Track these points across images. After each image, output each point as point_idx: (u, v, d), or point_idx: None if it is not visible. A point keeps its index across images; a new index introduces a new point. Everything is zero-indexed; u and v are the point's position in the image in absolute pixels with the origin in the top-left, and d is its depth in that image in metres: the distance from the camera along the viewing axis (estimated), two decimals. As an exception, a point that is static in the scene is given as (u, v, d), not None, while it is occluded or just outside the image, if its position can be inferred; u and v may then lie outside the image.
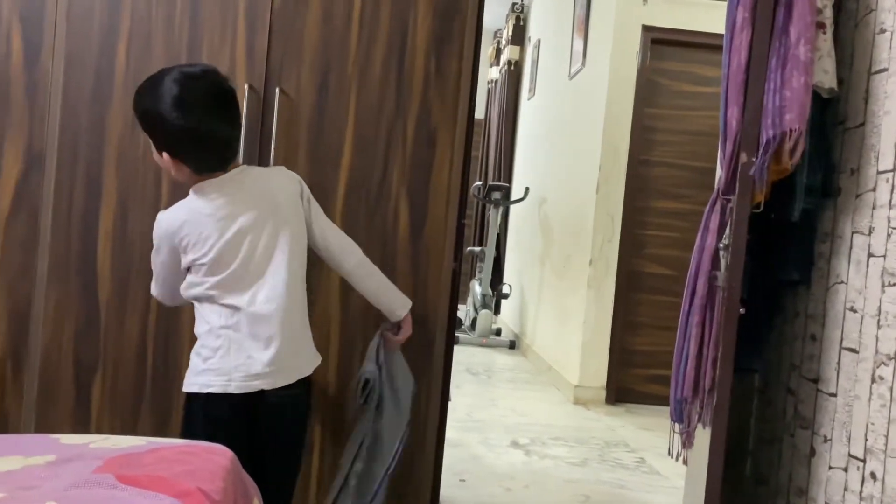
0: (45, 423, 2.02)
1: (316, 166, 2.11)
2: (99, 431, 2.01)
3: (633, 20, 4.54)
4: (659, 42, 4.55)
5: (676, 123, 4.65)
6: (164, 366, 2.04)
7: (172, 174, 1.69)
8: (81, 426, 2.01)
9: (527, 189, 6.60)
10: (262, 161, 2.07)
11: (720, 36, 2.41)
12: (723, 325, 2.01)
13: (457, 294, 2.28)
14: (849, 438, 2.00)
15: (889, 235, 1.93)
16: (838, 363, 2.08)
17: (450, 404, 4.08)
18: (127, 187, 2.03)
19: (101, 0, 2.02)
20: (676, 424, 2.21)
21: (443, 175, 2.16)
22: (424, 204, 2.15)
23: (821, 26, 2.07)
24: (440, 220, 2.15)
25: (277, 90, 2.06)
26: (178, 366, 2.03)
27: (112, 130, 2.02)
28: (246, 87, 2.05)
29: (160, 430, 1.99)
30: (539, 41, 6.90)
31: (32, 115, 2.01)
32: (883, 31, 2.03)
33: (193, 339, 2.03)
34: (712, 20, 4.43)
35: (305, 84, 2.10)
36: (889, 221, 1.93)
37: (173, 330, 2.04)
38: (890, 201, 1.94)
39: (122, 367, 2.04)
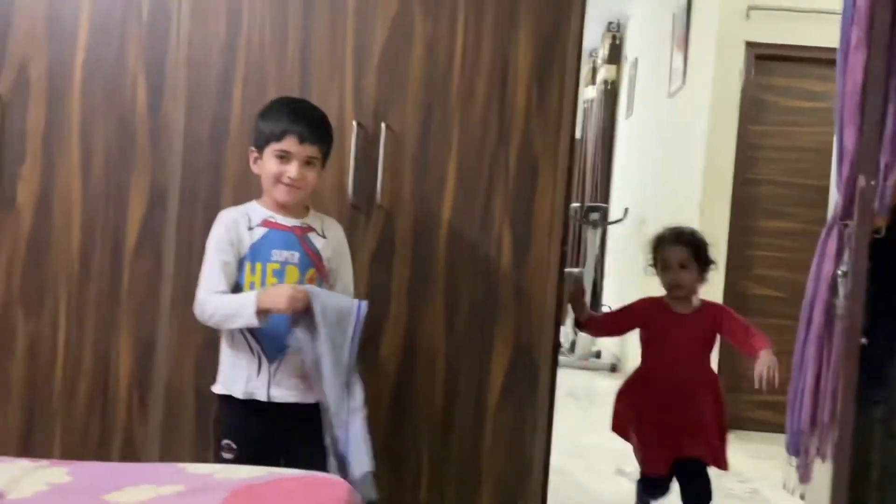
0: (169, 448, 2.12)
1: (420, 198, 2.15)
2: (219, 457, 2.10)
3: (736, 36, 4.44)
4: (764, 58, 4.43)
5: (784, 140, 4.51)
6: (277, 394, 2.11)
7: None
8: (204, 451, 2.09)
9: (626, 210, 6.51)
10: (371, 194, 2.12)
11: (829, 50, 2.34)
12: (843, 356, 1.93)
13: (559, 322, 2.27)
14: (985, 477, 1.88)
15: None
16: (971, 396, 1.97)
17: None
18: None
19: (219, 46, 2.13)
20: (793, 458, 2.13)
21: (545, 203, 2.16)
22: (527, 232, 2.16)
23: (942, 42, 1.98)
24: (543, 248, 2.16)
25: (383, 125, 2.12)
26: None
27: (229, 170, 2.12)
28: (354, 123, 2.11)
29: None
30: (636, 60, 6.83)
31: (156, 157, 2.13)
32: None
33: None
34: (820, 33, 4.28)
35: (410, 118, 2.14)
36: None
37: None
38: None
39: (239, 396, 2.12)
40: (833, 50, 2.18)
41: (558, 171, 2.18)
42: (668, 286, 2.64)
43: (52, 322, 2.14)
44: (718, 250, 4.50)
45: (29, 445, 2.12)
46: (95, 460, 2.01)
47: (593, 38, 8.05)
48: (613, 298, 6.98)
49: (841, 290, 2.01)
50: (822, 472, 2.10)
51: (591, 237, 6.75)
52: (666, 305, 2.64)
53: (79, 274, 2.13)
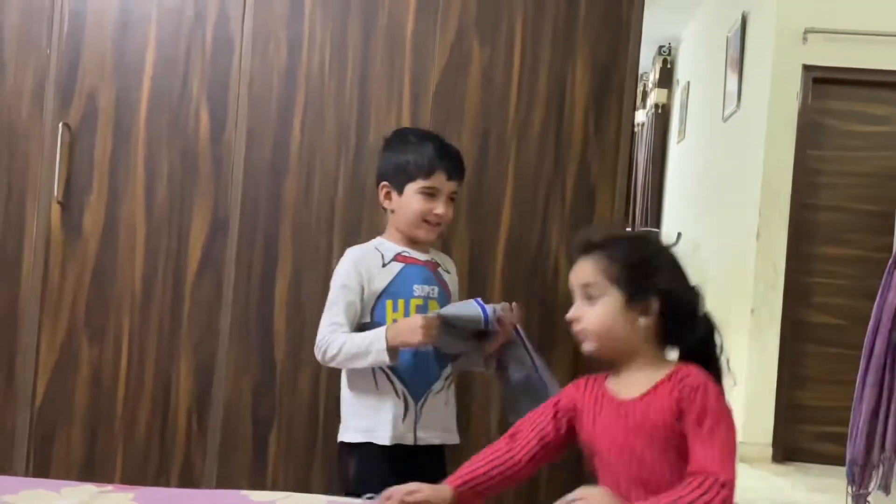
0: (226, 474, 2.13)
1: (476, 225, 2.15)
2: (275, 483, 2.11)
3: (793, 59, 4.36)
4: (821, 81, 4.34)
5: (844, 165, 4.40)
6: (334, 420, 2.12)
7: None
8: (259, 478, 2.10)
9: (679, 234, 6.41)
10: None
11: (888, 72, 2.29)
12: (912, 390, 1.87)
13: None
14: None
15: None
16: None
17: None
18: (302, 253, 2.14)
19: (279, 76, 2.16)
20: (850, 487, 2.07)
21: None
22: (584, 261, 2.13)
23: None
24: (600, 277, 2.13)
25: (441, 154, 2.12)
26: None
27: (288, 199, 2.15)
28: (411, 152, 2.12)
29: (331, 485, 2.05)
30: (689, 83, 6.76)
31: (218, 185, 2.17)
32: None
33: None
34: (880, 56, 4.18)
35: (466, 146, 2.14)
36: None
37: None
38: None
39: (295, 422, 2.13)
40: (892, 73, 2.13)
41: (616, 197, 2.17)
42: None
43: (115, 348, 2.18)
44: (776, 276, 4.43)
45: (91, 469, 2.15)
46: (155, 486, 2.04)
47: (644, 61, 7.95)
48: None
49: (909, 322, 1.95)
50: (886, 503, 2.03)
51: (643, 262, 6.66)
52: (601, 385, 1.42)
53: (141, 301, 2.17)
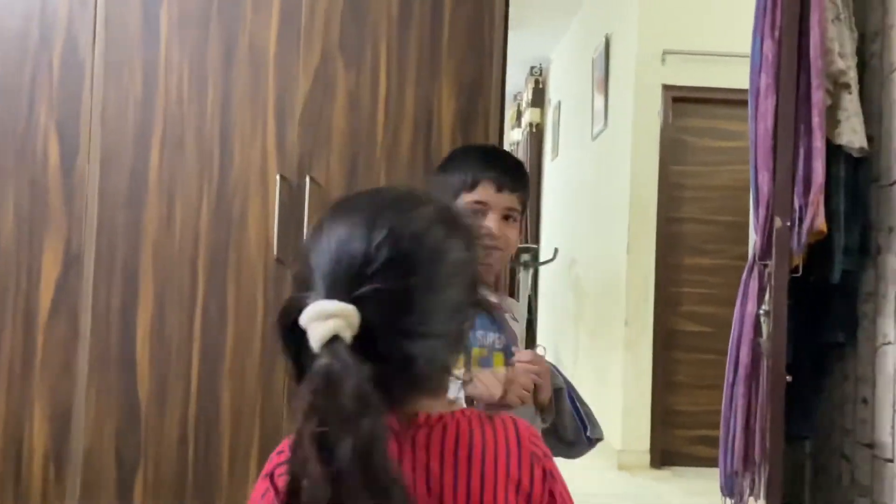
0: (88, 524, 2.01)
1: (348, 251, 2.12)
2: (142, 530, 2.00)
3: (653, 80, 4.58)
4: (680, 100, 4.58)
5: (704, 179, 4.64)
6: (205, 457, 2.03)
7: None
8: (124, 526, 1.99)
9: (555, 250, 6.55)
10: (297, 248, 2.08)
11: (741, 91, 2.42)
12: (770, 395, 1.96)
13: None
14: (911, 507, 1.92)
15: (935, 295, 1.88)
16: (893, 427, 2.02)
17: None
18: (164, 286, 2.05)
19: (135, 102, 2.07)
20: (727, 499, 2.15)
21: (474, 252, 2.15)
22: (458, 282, 2.14)
23: (846, 87, 2.07)
24: (474, 298, 2.14)
25: (308, 178, 2.09)
26: (218, 454, 2.02)
27: (148, 229, 2.05)
28: (278, 177, 2.08)
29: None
30: (560, 103, 6.97)
31: (70, 217, 2.05)
32: (910, 88, 2.03)
33: (235, 428, 2.03)
34: (733, 75, 4.44)
35: (335, 170, 2.12)
36: (934, 280, 1.89)
37: (213, 422, 2.03)
38: (933, 260, 1.90)
39: (163, 463, 2.03)
40: (744, 91, 2.25)
41: (486, 220, 2.18)
42: None
43: (-41, 395, 2.01)
44: (647, 288, 4.60)
45: (-66, 529, 1.98)
46: (7, 542, 1.89)
47: (517, 81, 8.19)
48: (546, 338, 7.02)
49: (764, 329, 2.05)
50: (757, 509, 2.12)
51: (523, 278, 6.78)
52: None
53: (-13, 343, 2.02)
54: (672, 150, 4.61)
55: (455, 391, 1.36)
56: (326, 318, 0.75)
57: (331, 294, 0.77)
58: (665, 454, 4.51)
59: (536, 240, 7.54)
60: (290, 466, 0.75)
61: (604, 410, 4.95)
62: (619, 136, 4.89)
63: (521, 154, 8.00)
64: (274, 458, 0.84)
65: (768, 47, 2.09)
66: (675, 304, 4.63)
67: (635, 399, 4.53)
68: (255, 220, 2.07)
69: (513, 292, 8.23)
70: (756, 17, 2.16)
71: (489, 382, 1.41)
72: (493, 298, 1.47)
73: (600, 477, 4.30)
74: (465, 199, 1.51)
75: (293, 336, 0.77)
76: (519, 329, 1.65)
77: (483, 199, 1.51)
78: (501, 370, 1.47)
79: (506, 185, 1.52)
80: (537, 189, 7.66)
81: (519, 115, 8.34)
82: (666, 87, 4.56)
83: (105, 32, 2.07)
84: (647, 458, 4.48)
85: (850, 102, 2.08)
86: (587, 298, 5.67)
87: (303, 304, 0.76)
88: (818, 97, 2.01)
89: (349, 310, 0.75)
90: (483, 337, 1.52)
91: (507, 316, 1.61)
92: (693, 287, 4.65)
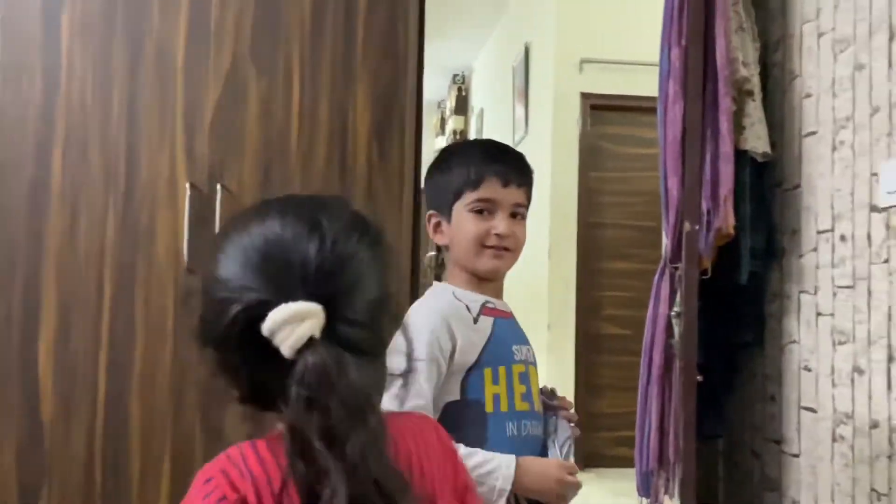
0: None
1: (263, 261, 2.08)
2: (46, 556, 1.91)
3: (571, 88, 4.65)
4: (598, 108, 4.66)
5: (622, 185, 4.73)
6: (114, 477, 1.95)
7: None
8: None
9: (481, 256, 6.63)
10: (205, 259, 2.03)
11: (655, 99, 2.48)
12: (682, 395, 2.00)
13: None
14: (816, 500, 1.99)
15: (835, 294, 1.96)
16: (798, 423, 2.08)
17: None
18: (69, 300, 1.96)
19: (35, 109, 1.99)
20: (643, 499, 2.18)
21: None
22: (376, 291, 2.12)
23: (749, 94, 2.14)
24: (393, 306, 2.13)
25: (219, 187, 2.04)
26: (128, 475, 1.95)
27: (50, 242, 1.97)
28: (187, 185, 2.02)
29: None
30: (482, 110, 7.02)
31: (-34, 229, 1.95)
32: (808, 95, 2.11)
33: (145, 446, 1.96)
34: (649, 83, 4.54)
35: (248, 179, 2.07)
36: (833, 280, 1.96)
37: (122, 440, 1.96)
38: (832, 261, 1.97)
39: (69, 485, 1.95)
40: (656, 99, 2.31)
41: (402, 226, 2.16)
42: None
43: None
44: (568, 292, 4.66)
45: None
46: None
47: (440, 89, 8.23)
48: (473, 344, 7.05)
49: (676, 331, 2.10)
50: (673, 508, 2.16)
51: (449, 285, 6.81)
52: None
53: None
54: (591, 157, 4.69)
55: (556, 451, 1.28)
56: (302, 320, 0.74)
57: (296, 296, 0.76)
58: (589, 456, 4.57)
59: (462, 247, 7.58)
60: (295, 470, 0.74)
61: (529, 415, 5.00)
62: (539, 143, 4.95)
63: (445, 161, 8.03)
64: (203, 489, 0.77)
65: (676, 56, 2.14)
66: (596, 308, 4.71)
67: (559, 403, 4.58)
68: (163, 230, 2.01)
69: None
70: (664, 27, 2.22)
71: (539, 471, 1.28)
72: (501, 303, 1.46)
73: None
74: (469, 198, 1.39)
75: (249, 345, 0.76)
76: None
77: (489, 196, 1.39)
78: (553, 463, 1.32)
79: (512, 179, 1.41)
80: (462, 196, 7.71)
81: (443, 122, 8.37)
82: (584, 95, 4.64)
83: (2, 37, 1.98)
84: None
85: (754, 109, 2.15)
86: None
87: (263, 309, 0.75)
88: (726, 104, 2.07)
89: (317, 309, 0.75)
90: (518, 351, 1.40)
91: (515, 321, 1.50)
92: (614, 291, 4.73)
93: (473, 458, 1.26)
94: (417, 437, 0.90)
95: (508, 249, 1.41)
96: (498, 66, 6.33)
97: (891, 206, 1.77)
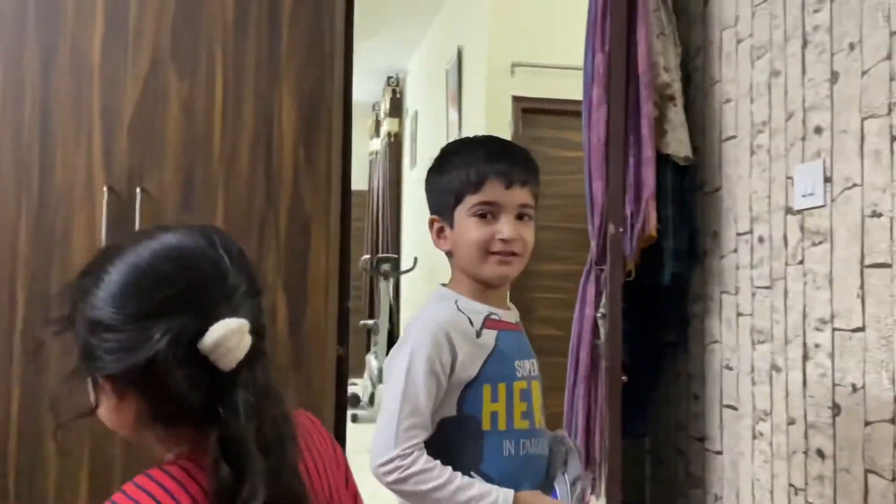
0: None
1: (185, 266, 2.03)
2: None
3: (503, 91, 4.67)
4: (529, 111, 4.70)
5: (555, 188, 4.77)
6: (28, 500, 1.88)
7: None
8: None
9: (415, 259, 6.61)
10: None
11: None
12: (607, 395, 2.03)
13: (345, 380, 2.22)
14: (737, 496, 2.04)
15: (754, 295, 2.01)
16: (720, 421, 2.13)
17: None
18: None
19: (-60, 109, 1.91)
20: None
21: (320, 263, 2.11)
22: (303, 295, 2.09)
23: (671, 99, 2.18)
24: (320, 310, 2.10)
25: (139, 190, 1.99)
26: (44, 496, 1.88)
27: (-44, 246, 1.89)
28: (105, 189, 1.96)
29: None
30: (417, 112, 7.02)
31: None
32: (728, 100, 2.16)
33: (62, 465, 1.89)
34: (578, 88, 4.61)
35: (169, 182, 2.03)
36: (752, 281, 2.01)
37: (37, 459, 1.89)
38: (751, 262, 2.02)
39: (-22, 502, 1.87)
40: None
41: (331, 230, 2.14)
42: None
43: None
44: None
45: None
46: None
47: (375, 91, 8.19)
48: (409, 347, 7.02)
49: (602, 332, 2.12)
50: (601, 507, 2.19)
51: (384, 288, 6.78)
52: None
53: None
54: (523, 160, 4.72)
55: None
56: (243, 334, 0.78)
57: (228, 312, 0.79)
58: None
59: (397, 249, 7.55)
60: (219, 476, 0.76)
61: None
62: (472, 145, 4.96)
63: (379, 163, 8.00)
64: None
65: (599, 61, 2.17)
66: (530, 310, 4.74)
67: (493, 404, 4.60)
68: (80, 235, 1.95)
69: (374, 303, 8.21)
70: (588, 33, 2.25)
71: None
72: (508, 310, 1.39)
73: (461, 483, 4.32)
74: (470, 202, 1.31)
75: (181, 364, 0.77)
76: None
77: (492, 199, 1.30)
78: (555, 503, 1.27)
79: (516, 179, 1.31)
80: (397, 199, 7.68)
81: (378, 124, 8.34)
82: (516, 99, 4.67)
83: None
84: (506, 461, 4.56)
85: (676, 114, 2.19)
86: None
87: (199, 327, 0.77)
88: (647, 109, 2.11)
89: (246, 323, 0.79)
90: (521, 367, 1.33)
91: (521, 333, 1.42)
92: (547, 293, 4.77)
93: (470, 489, 1.22)
94: (306, 436, 0.92)
95: (515, 254, 1.32)
96: (432, 69, 6.34)
97: (805, 209, 1.83)
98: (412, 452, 1.24)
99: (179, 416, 0.81)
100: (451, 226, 1.35)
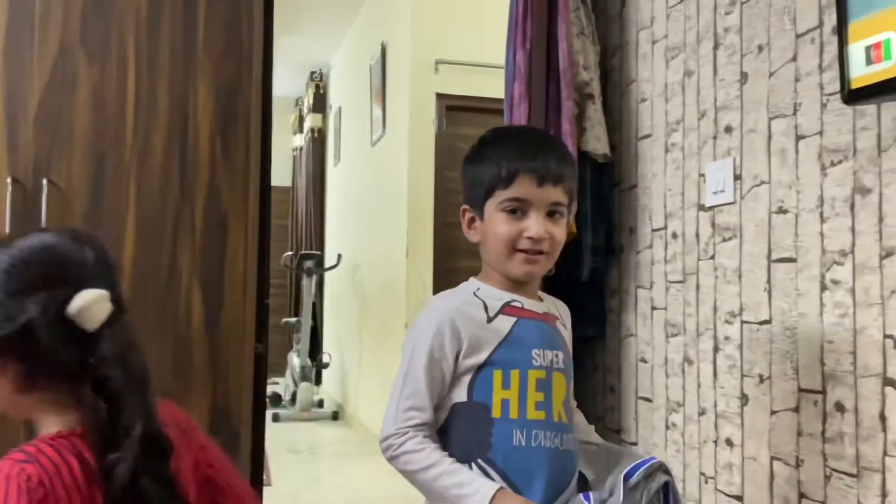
0: None
1: (95, 261, 1.96)
2: None
3: (427, 88, 4.68)
4: (453, 108, 4.71)
5: (476, 185, 4.81)
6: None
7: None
8: None
9: (339, 256, 6.56)
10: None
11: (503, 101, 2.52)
12: (527, 389, 2.05)
13: (263, 379, 2.18)
14: (652, 485, 2.09)
15: (668, 289, 2.06)
16: (636, 413, 2.18)
17: (270, 490, 3.89)
18: None
19: None
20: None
21: (238, 258, 2.07)
22: (220, 290, 2.05)
23: (590, 97, 2.22)
24: (238, 305, 2.06)
25: (45, 181, 1.91)
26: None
27: None
28: (9, 180, 1.88)
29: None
30: (340, 108, 6.96)
31: None
32: (644, 99, 2.20)
33: None
34: (501, 86, 4.66)
35: (78, 174, 1.95)
36: (666, 276, 2.06)
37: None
38: (665, 257, 2.07)
39: None
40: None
41: (249, 225, 2.10)
42: None
43: None
44: (425, 291, 4.70)
45: None
46: None
47: (298, 86, 8.09)
48: (332, 345, 6.97)
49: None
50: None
51: (307, 285, 6.70)
52: None
53: None
54: (447, 157, 4.73)
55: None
56: (103, 302, 0.97)
57: (90, 286, 0.97)
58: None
59: (321, 246, 7.47)
60: (97, 414, 0.95)
61: (387, 414, 4.98)
62: (396, 142, 4.95)
63: (303, 160, 7.91)
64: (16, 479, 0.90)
65: (521, 58, 2.19)
66: (452, 307, 4.76)
67: (416, 401, 4.60)
68: (-18, 229, 1.86)
69: (298, 300, 8.08)
70: (509, 30, 2.26)
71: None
72: (538, 301, 1.35)
73: (384, 479, 4.31)
74: (500, 197, 1.28)
75: (57, 324, 0.95)
76: (568, 336, 1.41)
77: (522, 195, 1.27)
78: None
79: (549, 176, 1.28)
80: (321, 195, 7.60)
81: (301, 120, 8.23)
82: (439, 96, 4.68)
83: None
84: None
85: (594, 112, 2.23)
86: (370, 303, 5.69)
87: (66, 296, 0.95)
88: (568, 106, 2.13)
89: (106, 294, 0.98)
90: (540, 356, 1.29)
91: (560, 324, 1.38)
92: (470, 289, 4.80)
93: (453, 476, 1.22)
94: (167, 413, 1.06)
95: (543, 252, 1.29)
96: (356, 64, 6.29)
97: (716, 206, 1.88)
98: (407, 432, 1.26)
99: (55, 376, 0.98)
100: (482, 218, 1.33)
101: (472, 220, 1.35)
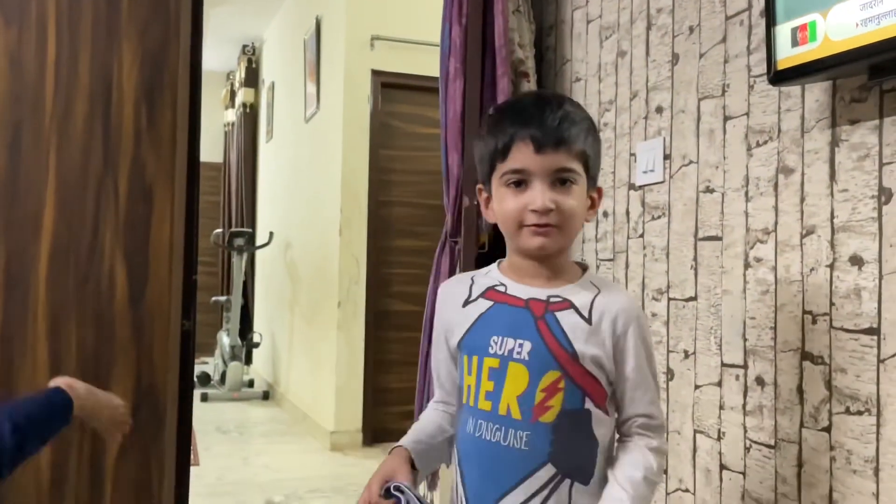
0: None
1: (11, 233, 1.88)
2: None
3: (363, 65, 4.62)
4: (389, 86, 4.67)
5: (412, 164, 4.79)
6: None
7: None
8: None
9: (271, 234, 6.46)
10: (-58, 230, 1.80)
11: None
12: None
13: (191, 356, 2.13)
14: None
15: (598, 267, 2.08)
16: (566, 389, 2.21)
17: (197, 469, 3.83)
18: None
19: None
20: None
21: (163, 232, 2.01)
22: (144, 264, 1.99)
23: (524, 75, 2.22)
24: (163, 280, 2.01)
25: (-43, 148, 1.82)
26: None
27: None
28: (-84, 146, 1.78)
29: None
30: (273, 83, 6.83)
31: None
32: (578, 79, 2.22)
33: None
34: (437, 64, 4.63)
35: (-8, 141, 1.86)
36: (597, 254, 2.09)
37: None
38: (596, 235, 2.09)
39: None
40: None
41: (176, 198, 2.04)
42: None
43: None
44: (359, 270, 4.67)
45: None
46: None
47: (230, 59, 7.90)
48: (263, 325, 6.88)
49: (455, 304, 2.15)
50: (449, 477, 2.21)
51: (238, 263, 6.58)
52: None
53: None
54: (381, 135, 4.70)
55: None
56: None
57: None
58: (377, 432, 4.62)
59: (252, 223, 7.35)
60: None
61: (318, 394, 4.96)
62: (330, 119, 4.88)
63: (234, 135, 7.74)
64: None
65: (456, 33, 2.17)
66: (385, 285, 4.74)
67: (348, 380, 4.58)
68: None
69: (229, 278, 7.95)
70: (445, 5, 2.24)
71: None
72: (559, 291, 1.21)
73: (313, 459, 4.29)
74: (500, 171, 1.18)
75: None
76: (587, 330, 1.19)
77: (520, 165, 1.15)
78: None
79: (548, 142, 1.14)
80: (253, 172, 7.46)
81: (233, 95, 8.05)
82: (375, 73, 4.63)
83: None
84: (360, 437, 4.56)
85: (529, 90, 2.23)
86: (302, 282, 5.62)
87: None
88: (503, 84, 2.13)
89: None
90: (496, 343, 1.19)
91: (567, 312, 1.19)
92: (402, 268, 4.79)
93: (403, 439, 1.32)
94: None
95: (550, 225, 1.16)
96: (290, 39, 6.17)
97: (646, 185, 1.91)
98: (430, 405, 1.37)
99: None
100: (491, 194, 1.24)
101: (488, 200, 1.25)
